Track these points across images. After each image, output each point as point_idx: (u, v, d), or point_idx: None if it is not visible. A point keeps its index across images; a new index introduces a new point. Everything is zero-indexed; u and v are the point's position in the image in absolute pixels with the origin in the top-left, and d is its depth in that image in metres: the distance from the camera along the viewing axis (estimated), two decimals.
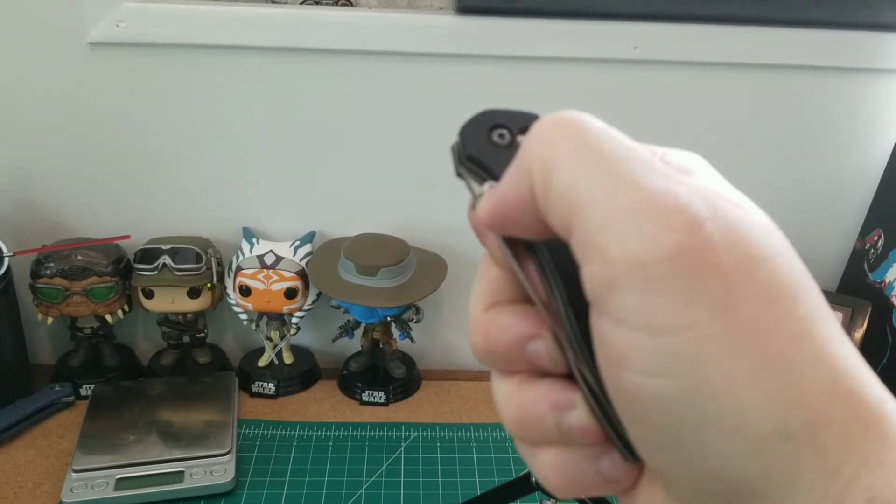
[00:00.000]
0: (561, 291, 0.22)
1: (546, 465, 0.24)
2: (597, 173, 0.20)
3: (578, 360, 0.22)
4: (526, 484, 0.66)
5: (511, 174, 0.23)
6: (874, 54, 0.89)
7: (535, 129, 0.22)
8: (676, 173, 0.21)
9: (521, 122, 0.24)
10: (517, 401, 0.24)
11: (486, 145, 0.24)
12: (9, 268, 0.87)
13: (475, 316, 0.25)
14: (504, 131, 0.24)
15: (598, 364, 0.21)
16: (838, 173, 0.96)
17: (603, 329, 0.21)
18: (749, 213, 0.21)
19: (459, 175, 0.25)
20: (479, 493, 0.81)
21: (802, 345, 0.19)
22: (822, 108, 0.92)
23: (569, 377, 0.23)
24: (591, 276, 0.20)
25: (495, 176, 0.23)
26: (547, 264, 0.23)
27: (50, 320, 0.91)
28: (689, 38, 0.87)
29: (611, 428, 0.22)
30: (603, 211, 0.20)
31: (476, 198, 0.24)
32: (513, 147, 0.24)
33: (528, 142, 0.22)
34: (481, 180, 0.24)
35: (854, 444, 0.19)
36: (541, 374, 0.24)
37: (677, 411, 0.20)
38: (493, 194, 0.23)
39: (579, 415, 0.23)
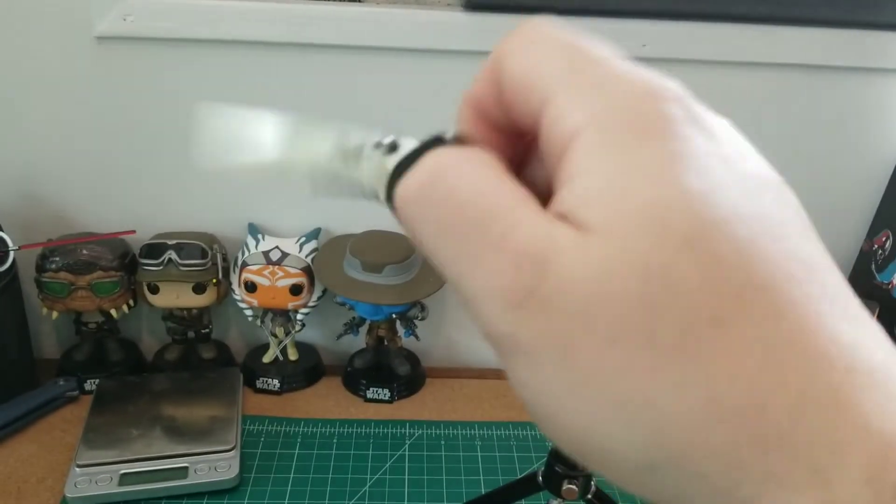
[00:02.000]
0: None
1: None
2: (541, 59, 0.21)
3: None
4: (532, 483, 0.66)
5: (481, 72, 0.23)
6: (883, 54, 0.88)
7: (506, 36, 0.23)
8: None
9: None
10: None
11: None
12: (14, 262, 0.87)
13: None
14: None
15: None
16: (846, 174, 0.96)
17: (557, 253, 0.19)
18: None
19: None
20: (483, 491, 0.81)
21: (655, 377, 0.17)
22: (830, 108, 0.92)
23: None
24: (563, 169, 0.19)
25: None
26: None
27: (55, 314, 0.91)
28: (698, 36, 0.86)
29: None
30: (576, 94, 0.20)
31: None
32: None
33: (498, 45, 0.23)
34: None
35: (747, 464, 0.17)
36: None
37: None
38: (472, 85, 0.24)
39: None
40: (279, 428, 0.90)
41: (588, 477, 0.64)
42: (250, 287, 0.92)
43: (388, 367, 0.99)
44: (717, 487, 0.17)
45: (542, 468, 0.66)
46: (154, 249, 0.90)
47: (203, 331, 0.98)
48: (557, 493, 0.64)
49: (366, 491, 0.82)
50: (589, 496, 0.64)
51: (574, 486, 0.63)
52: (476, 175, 0.20)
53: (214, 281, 0.91)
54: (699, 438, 0.17)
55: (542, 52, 0.21)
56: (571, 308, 0.18)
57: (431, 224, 0.20)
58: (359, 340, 1.00)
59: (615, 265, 0.17)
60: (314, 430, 0.90)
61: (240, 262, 0.93)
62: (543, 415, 0.19)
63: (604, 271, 0.17)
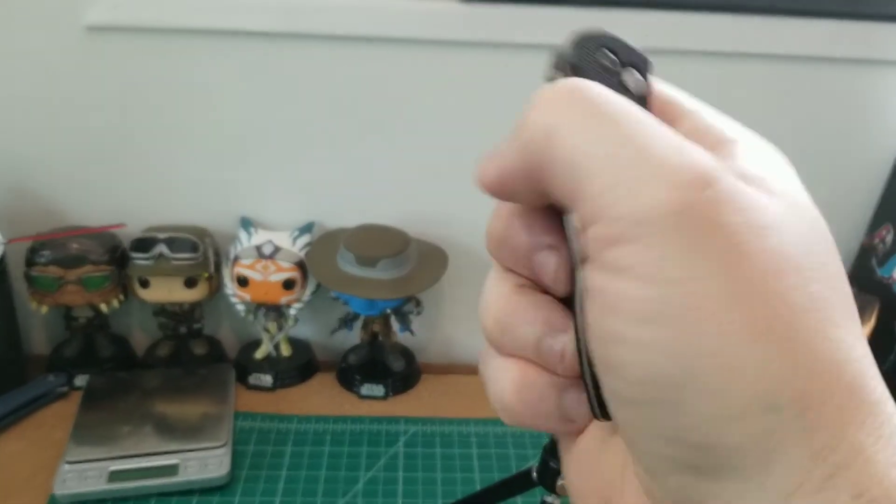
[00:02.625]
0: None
1: (509, 378, 0.23)
2: (603, 137, 0.20)
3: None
4: (527, 479, 0.65)
5: (510, 144, 0.22)
6: (885, 46, 0.87)
7: (536, 98, 0.22)
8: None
9: (633, 58, 0.24)
10: (509, 300, 0.23)
11: (591, 60, 0.23)
12: (3, 255, 0.85)
13: (506, 205, 0.24)
14: (612, 55, 0.24)
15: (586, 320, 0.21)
16: (847, 167, 0.94)
17: (597, 281, 0.20)
18: (776, 194, 0.20)
19: (552, 78, 0.24)
20: (478, 488, 0.80)
21: (808, 321, 0.18)
22: (831, 101, 0.91)
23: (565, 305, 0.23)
24: (596, 235, 0.19)
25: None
26: None
27: (44, 309, 0.89)
28: (699, 27, 0.85)
29: (591, 375, 0.21)
30: (610, 172, 0.19)
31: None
32: (613, 72, 0.23)
33: (528, 113, 0.22)
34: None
35: (847, 432, 0.18)
36: (539, 288, 0.23)
37: (661, 365, 0.18)
38: (493, 161, 0.22)
39: (566, 341, 0.22)
40: (272, 425, 0.89)
41: None
42: (242, 281, 0.90)
43: (382, 363, 0.98)
44: (813, 447, 0.18)
45: (537, 464, 0.64)
46: (144, 243, 0.89)
47: (195, 326, 0.97)
48: (552, 489, 0.62)
49: (359, 488, 0.81)
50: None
51: None
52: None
53: (206, 275, 0.90)
54: (822, 392, 0.18)
55: (588, 129, 0.20)
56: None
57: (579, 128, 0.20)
58: (353, 336, 0.99)
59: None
60: (307, 426, 0.89)
61: (232, 257, 0.91)
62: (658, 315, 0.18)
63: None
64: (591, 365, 0.21)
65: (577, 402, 0.22)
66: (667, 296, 0.18)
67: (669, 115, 0.21)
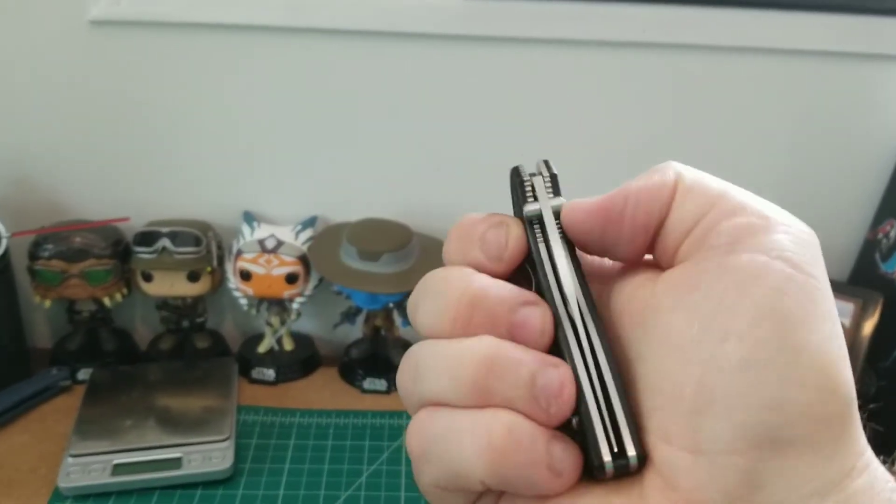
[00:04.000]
0: (581, 274, 0.25)
1: (499, 421, 0.22)
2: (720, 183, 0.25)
3: (592, 345, 0.23)
4: None
5: (650, 173, 0.25)
6: (889, 40, 0.87)
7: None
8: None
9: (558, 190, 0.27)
10: (493, 347, 0.23)
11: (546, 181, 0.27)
12: (7, 249, 0.86)
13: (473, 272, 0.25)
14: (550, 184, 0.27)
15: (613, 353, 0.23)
16: (850, 162, 0.94)
17: (734, 261, 0.22)
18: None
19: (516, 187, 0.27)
20: None
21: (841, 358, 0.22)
22: (835, 95, 0.90)
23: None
24: (738, 224, 0.23)
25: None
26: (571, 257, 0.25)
27: (47, 303, 0.89)
28: (699, 21, 0.85)
29: (600, 419, 0.22)
30: (747, 196, 0.24)
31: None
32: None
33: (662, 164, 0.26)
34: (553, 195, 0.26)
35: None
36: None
37: (788, 329, 0.21)
38: (609, 194, 0.25)
39: (563, 371, 0.22)
40: (274, 419, 0.89)
41: None
42: (245, 275, 0.90)
43: (385, 358, 0.98)
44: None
45: None
46: (148, 237, 0.89)
47: (197, 320, 0.97)
48: None
49: (362, 482, 0.81)
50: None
51: None
52: None
53: (209, 269, 0.90)
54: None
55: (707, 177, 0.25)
56: None
57: None
58: (356, 330, 0.99)
59: None
60: (310, 420, 0.89)
61: (234, 251, 0.91)
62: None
63: None
64: (613, 405, 0.22)
65: (565, 451, 0.22)
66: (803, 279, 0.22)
67: (702, 199, 0.24)
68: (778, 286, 0.21)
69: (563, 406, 0.22)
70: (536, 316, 0.23)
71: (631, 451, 0.22)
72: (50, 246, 0.87)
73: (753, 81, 0.89)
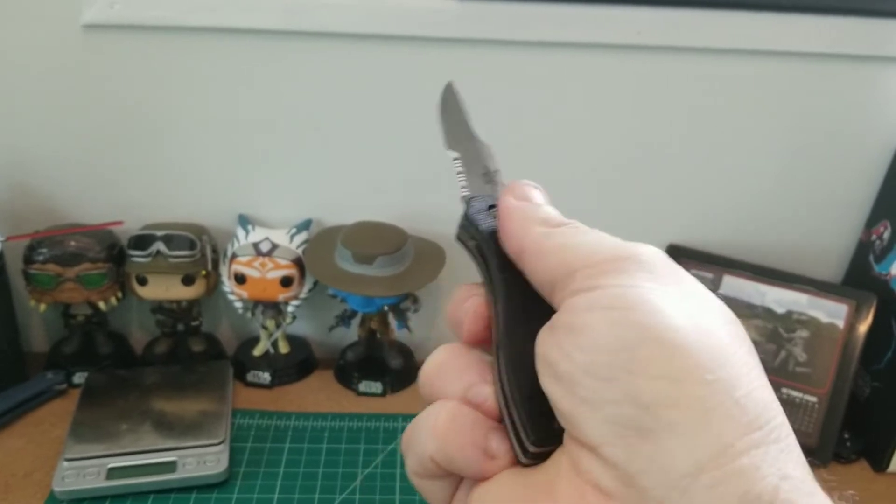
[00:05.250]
0: (503, 298, 0.29)
1: (445, 408, 0.28)
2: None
3: (496, 344, 0.28)
4: None
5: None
6: (882, 43, 0.87)
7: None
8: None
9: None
10: (451, 354, 0.30)
11: (483, 213, 0.32)
12: (1, 253, 0.86)
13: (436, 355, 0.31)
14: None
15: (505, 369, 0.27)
16: (844, 163, 0.94)
17: (583, 299, 0.25)
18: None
19: (457, 238, 0.33)
20: None
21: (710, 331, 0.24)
22: (828, 97, 0.91)
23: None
24: (590, 270, 0.26)
25: (477, 237, 0.31)
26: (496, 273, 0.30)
27: (43, 307, 0.90)
28: (693, 23, 0.85)
29: (509, 416, 0.27)
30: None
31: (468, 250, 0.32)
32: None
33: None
34: (469, 237, 0.32)
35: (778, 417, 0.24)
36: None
37: (622, 329, 0.24)
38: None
39: (488, 390, 0.28)
40: (270, 422, 0.89)
41: None
42: (240, 279, 0.91)
43: (380, 360, 0.98)
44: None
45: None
46: (142, 240, 0.89)
47: (193, 323, 0.97)
48: None
49: (357, 485, 0.81)
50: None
51: None
52: None
53: (204, 272, 0.90)
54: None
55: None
56: None
57: None
58: (351, 333, 0.99)
59: None
60: (305, 423, 0.89)
61: (229, 254, 0.92)
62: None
63: None
64: (514, 403, 0.26)
65: (501, 440, 0.27)
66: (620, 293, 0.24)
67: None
68: (615, 303, 0.24)
69: (488, 413, 0.27)
70: (469, 305, 0.30)
71: (522, 449, 0.26)
72: (45, 250, 0.87)
73: (747, 84, 0.89)
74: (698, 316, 0.24)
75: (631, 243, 0.26)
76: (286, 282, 0.91)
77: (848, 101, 0.91)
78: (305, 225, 0.94)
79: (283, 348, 0.98)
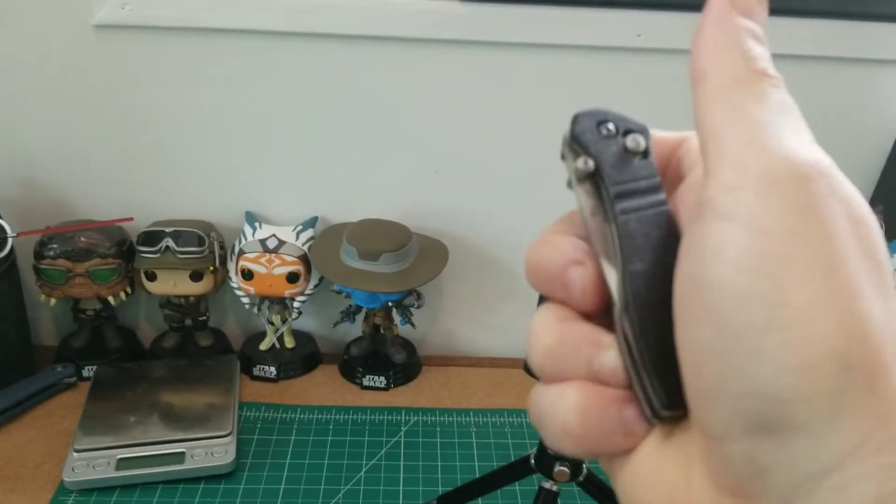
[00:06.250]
0: (624, 238, 0.25)
1: (570, 405, 0.24)
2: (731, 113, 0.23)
3: (624, 306, 0.24)
4: (525, 465, 0.67)
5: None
6: (877, 45, 0.89)
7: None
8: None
9: (628, 124, 0.27)
10: (557, 330, 0.25)
11: (592, 131, 0.27)
12: (13, 249, 0.87)
13: (541, 235, 0.27)
14: (611, 126, 0.27)
15: (634, 310, 0.24)
16: (840, 164, 0.96)
17: (706, 227, 0.21)
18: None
19: (563, 156, 0.27)
20: (477, 476, 0.82)
21: (888, 303, 0.20)
22: (823, 100, 0.92)
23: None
24: (719, 180, 0.22)
25: (592, 155, 0.26)
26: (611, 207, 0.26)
27: (53, 301, 0.91)
28: (693, 26, 0.86)
29: (639, 380, 0.24)
30: (741, 134, 0.22)
31: (573, 172, 0.27)
32: (614, 140, 0.27)
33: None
34: (578, 157, 0.27)
35: None
36: (580, 317, 0.26)
37: (750, 311, 0.20)
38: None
39: (612, 356, 0.24)
40: (276, 415, 0.91)
41: (579, 461, 0.64)
42: (247, 275, 0.92)
43: (384, 355, 0.99)
44: (879, 411, 0.20)
45: (535, 451, 0.66)
46: (151, 237, 0.90)
47: (200, 318, 0.98)
48: (549, 475, 0.64)
49: (362, 476, 0.82)
50: (580, 478, 0.65)
51: (566, 469, 0.63)
52: None
53: (212, 268, 0.92)
54: (890, 365, 0.20)
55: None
56: None
57: None
58: (355, 328, 1.00)
59: None
60: (310, 416, 0.91)
61: (237, 250, 0.93)
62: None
63: None
64: (644, 367, 0.24)
65: (636, 413, 0.24)
66: (767, 247, 0.20)
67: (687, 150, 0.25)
68: (742, 261, 0.20)
69: (617, 382, 0.24)
70: (578, 276, 0.25)
71: (653, 413, 0.24)
72: (55, 245, 0.88)
73: None
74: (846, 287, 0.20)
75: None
76: (292, 278, 0.92)
77: (842, 104, 0.92)
78: (311, 222, 0.95)
79: (289, 343, 0.99)
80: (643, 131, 0.27)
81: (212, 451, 0.81)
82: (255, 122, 0.91)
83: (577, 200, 0.27)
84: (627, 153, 0.27)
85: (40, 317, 1.00)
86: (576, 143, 0.27)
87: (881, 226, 0.23)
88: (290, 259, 0.92)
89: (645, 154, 0.27)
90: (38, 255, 0.89)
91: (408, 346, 1.02)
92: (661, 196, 0.26)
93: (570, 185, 0.27)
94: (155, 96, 0.89)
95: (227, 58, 0.87)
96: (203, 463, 0.80)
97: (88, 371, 0.93)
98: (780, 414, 0.20)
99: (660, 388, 0.23)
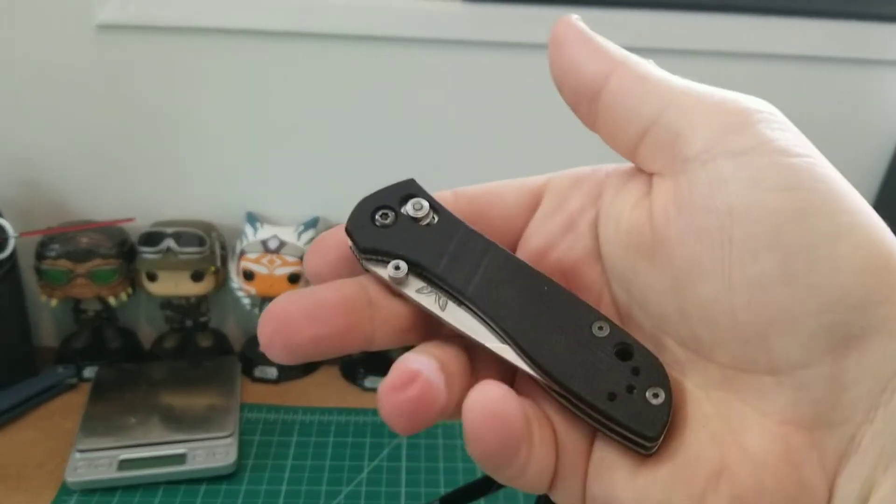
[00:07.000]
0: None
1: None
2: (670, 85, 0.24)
3: (547, 382, 0.23)
4: None
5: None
6: (879, 46, 0.89)
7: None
8: None
9: (397, 195, 0.25)
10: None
11: (375, 231, 0.25)
12: (14, 249, 0.87)
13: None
14: (385, 210, 0.25)
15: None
16: (842, 166, 0.93)
17: (721, 166, 0.22)
18: None
19: (367, 270, 0.25)
20: (479, 476, 0.81)
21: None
22: (825, 101, 0.92)
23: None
24: (701, 133, 0.22)
25: (395, 255, 0.24)
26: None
27: (54, 302, 0.91)
28: (692, 27, 0.87)
29: (610, 431, 0.22)
30: (686, 95, 0.24)
31: (390, 281, 0.24)
32: (399, 220, 0.24)
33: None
34: (385, 264, 0.24)
35: None
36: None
37: (813, 222, 0.20)
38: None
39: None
40: (277, 416, 0.90)
41: None
42: (248, 275, 0.92)
43: (385, 356, 0.99)
44: None
45: None
46: (152, 237, 0.90)
47: (201, 319, 0.98)
48: None
49: (364, 478, 0.82)
50: None
51: None
52: None
53: (213, 269, 0.92)
54: None
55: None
56: None
57: None
58: None
59: None
60: (312, 418, 0.91)
61: (238, 251, 0.93)
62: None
63: None
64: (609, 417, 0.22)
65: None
66: (802, 165, 0.22)
67: (652, 98, 0.25)
68: (783, 182, 0.21)
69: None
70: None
71: (641, 447, 0.22)
72: (56, 246, 0.88)
73: (745, 87, 0.90)
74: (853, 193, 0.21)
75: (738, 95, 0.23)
76: (294, 278, 0.92)
77: (845, 104, 0.92)
78: (313, 223, 0.95)
79: None
80: (412, 187, 0.25)
81: (213, 452, 0.81)
82: (257, 123, 0.91)
83: (412, 301, 0.24)
84: (419, 224, 0.24)
85: (41, 317, 1.00)
86: (369, 254, 0.24)
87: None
88: (291, 260, 0.92)
89: (435, 210, 0.25)
90: (40, 255, 0.89)
91: (409, 347, 1.01)
92: (482, 239, 0.24)
93: (393, 292, 0.24)
94: (157, 96, 0.89)
95: (228, 58, 0.87)
96: (204, 464, 0.80)
97: (89, 372, 0.93)
98: (864, 318, 0.19)
99: (639, 416, 0.21)
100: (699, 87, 0.24)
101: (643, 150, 0.24)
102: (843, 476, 0.20)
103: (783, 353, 0.20)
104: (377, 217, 0.25)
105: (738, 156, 0.21)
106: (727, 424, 0.21)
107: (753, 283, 0.21)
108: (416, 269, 0.24)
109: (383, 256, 0.24)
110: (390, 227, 0.24)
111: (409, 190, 0.25)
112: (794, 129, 0.23)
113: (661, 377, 0.22)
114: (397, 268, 0.24)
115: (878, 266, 0.20)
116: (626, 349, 0.23)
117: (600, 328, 0.23)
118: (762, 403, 0.21)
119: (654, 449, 0.22)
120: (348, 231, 0.25)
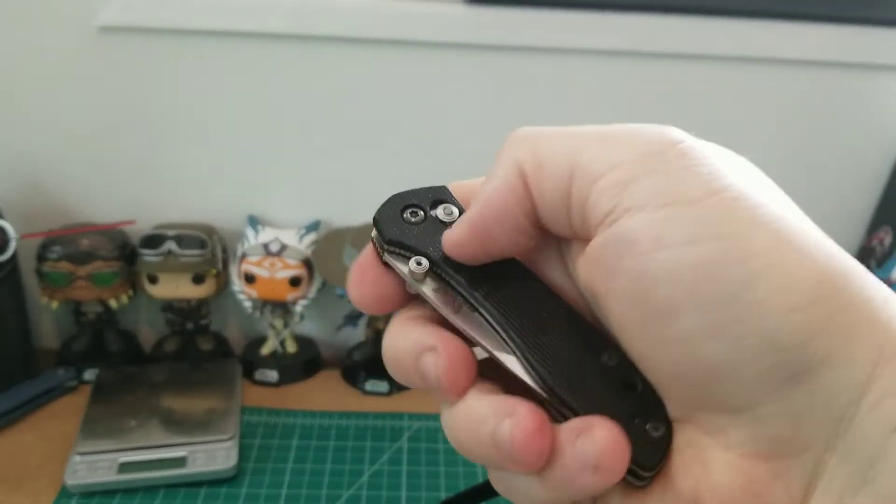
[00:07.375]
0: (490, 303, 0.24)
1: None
2: (583, 135, 0.23)
3: (547, 392, 0.23)
4: None
5: (491, 178, 0.24)
6: (883, 50, 0.88)
7: (507, 140, 0.25)
8: None
9: (429, 198, 0.26)
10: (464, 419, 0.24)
11: (403, 226, 0.25)
12: (15, 251, 0.87)
13: (392, 323, 0.26)
14: (415, 209, 0.25)
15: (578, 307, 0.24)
16: (846, 170, 0.96)
17: (625, 227, 0.21)
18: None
19: (386, 263, 0.25)
20: (480, 481, 0.81)
21: (815, 231, 0.22)
22: (829, 105, 0.92)
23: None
24: (605, 185, 0.21)
25: (419, 252, 0.24)
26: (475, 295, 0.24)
27: (55, 304, 0.91)
28: (695, 31, 0.86)
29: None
30: (601, 147, 0.22)
31: (409, 276, 0.24)
32: (427, 221, 0.25)
33: (503, 149, 0.24)
34: (406, 259, 0.25)
35: None
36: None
37: (724, 274, 0.20)
38: (469, 214, 0.24)
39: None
40: (277, 419, 0.90)
41: None
42: (249, 278, 0.92)
43: None
44: (879, 319, 0.20)
45: None
46: (154, 240, 0.90)
47: (202, 322, 0.98)
48: None
49: (364, 482, 0.82)
50: None
51: None
52: None
53: (214, 272, 0.92)
54: (860, 283, 0.21)
55: (565, 135, 0.24)
56: None
57: None
58: (358, 333, 1.00)
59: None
60: (312, 421, 0.90)
61: (239, 254, 0.93)
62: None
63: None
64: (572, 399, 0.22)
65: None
66: (704, 211, 0.20)
67: (557, 175, 0.24)
68: (687, 236, 0.20)
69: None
70: (430, 364, 0.24)
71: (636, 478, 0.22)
72: (58, 248, 0.88)
73: (749, 91, 0.91)
74: (789, 213, 0.21)
75: (653, 127, 0.23)
76: (295, 282, 0.92)
77: (849, 109, 0.92)
78: (314, 226, 0.95)
79: (291, 347, 0.99)
80: (445, 193, 0.26)
81: (213, 454, 0.81)
82: (258, 125, 0.91)
83: (427, 298, 0.24)
84: (446, 228, 0.25)
85: (42, 320, 1.00)
86: (393, 247, 0.25)
87: (891, 239, 0.23)
88: (292, 263, 0.92)
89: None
90: (41, 257, 0.89)
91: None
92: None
93: (409, 287, 0.25)
94: (158, 99, 0.89)
95: (230, 60, 0.87)
96: (204, 467, 0.80)
97: (90, 374, 0.93)
98: (804, 354, 0.19)
99: (635, 454, 0.21)
100: (603, 132, 0.23)
101: (574, 223, 0.23)
102: (814, 501, 0.20)
103: (731, 397, 0.21)
104: (406, 213, 0.25)
105: (640, 211, 0.21)
106: (697, 457, 0.22)
107: (681, 341, 0.21)
108: (436, 270, 0.24)
109: (406, 251, 0.24)
110: (417, 226, 0.25)
111: (441, 195, 0.26)
112: (708, 158, 0.22)
113: (662, 413, 0.22)
114: (419, 263, 0.24)
115: (805, 303, 0.19)
116: (632, 382, 0.23)
117: (609, 357, 0.23)
118: (723, 438, 0.21)
119: (648, 480, 0.22)
120: (376, 221, 0.25)
